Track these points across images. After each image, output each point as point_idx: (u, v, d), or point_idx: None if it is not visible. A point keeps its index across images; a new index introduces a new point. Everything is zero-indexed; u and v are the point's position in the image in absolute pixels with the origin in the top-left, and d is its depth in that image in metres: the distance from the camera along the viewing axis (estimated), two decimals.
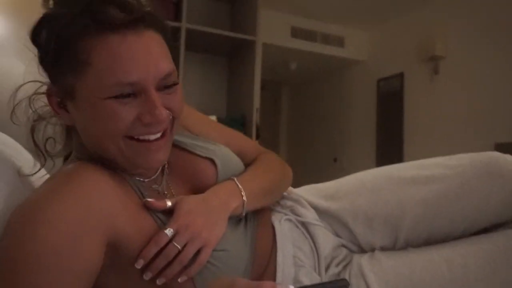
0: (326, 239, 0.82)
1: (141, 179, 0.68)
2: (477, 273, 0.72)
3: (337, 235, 0.87)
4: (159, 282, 0.60)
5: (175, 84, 0.62)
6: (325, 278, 0.77)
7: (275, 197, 0.85)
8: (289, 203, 0.86)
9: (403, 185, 0.84)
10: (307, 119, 5.14)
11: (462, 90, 3.30)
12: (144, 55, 0.57)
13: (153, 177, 0.70)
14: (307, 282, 0.73)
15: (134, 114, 0.58)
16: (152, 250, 0.59)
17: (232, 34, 3.03)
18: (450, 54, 3.40)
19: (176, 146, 0.73)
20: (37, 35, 0.59)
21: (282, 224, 0.79)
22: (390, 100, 3.89)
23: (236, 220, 0.73)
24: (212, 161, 0.76)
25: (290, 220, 0.81)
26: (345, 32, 4.12)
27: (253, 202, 0.74)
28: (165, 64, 0.60)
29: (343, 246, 0.86)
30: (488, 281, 0.71)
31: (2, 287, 0.50)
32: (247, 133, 2.98)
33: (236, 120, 3.03)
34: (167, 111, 0.61)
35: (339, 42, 4.11)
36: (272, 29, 3.64)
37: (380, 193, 0.84)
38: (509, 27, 2.96)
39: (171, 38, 0.65)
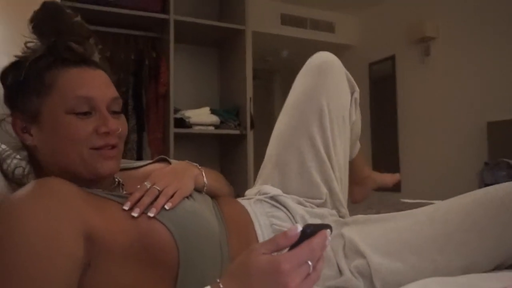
0: (296, 204, 0.91)
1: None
2: (457, 225, 0.78)
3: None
4: (150, 213, 0.68)
5: (120, 112, 0.77)
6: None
7: (223, 185, 0.95)
8: (255, 190, 0.98)
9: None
10: None
11: (453, 70, 3.30)
12: (98, 81, 0.73)
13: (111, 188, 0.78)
14: None
15: (91, 127, 0.70)
16: (137, 195, 0.71)
17: (221, 24, 3.00)
18: (441, 35, 3.40)
19: (124, 169, 0.86)
20: (6, 76, 0.73)
21: (252, 204, 0.88)
22: (383, 84, 3.89)
23: (203, 203, 0.80)
24: (161, 160, 0.91)
25: (260, 200, 0.90)
26: (335, 18, 4.10)
27: (208, 176, 0.85)
28: (113, 90, 0.75)
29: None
30: (468, 231, 0.77)
31: None
32: (241, 123, 2.98)
33: (229, 111, 3.02)
34: (118, 126, 0.73)
35: (329, 27, 4.09)
36: (261, 17, 3.62)
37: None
38: (500, 5, 2.96)
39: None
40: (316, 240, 0.51)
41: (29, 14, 0.73)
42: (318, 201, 0.98)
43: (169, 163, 0.90)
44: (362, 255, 0.80)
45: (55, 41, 0.71)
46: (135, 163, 0.92)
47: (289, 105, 1.06)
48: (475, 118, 3.08)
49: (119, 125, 0.73)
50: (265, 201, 0.90)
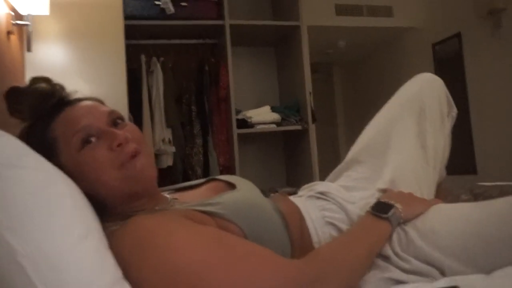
0: (347, 196, 0.93)
1: None
2: None
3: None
4: None
5: (123, 120, 0.79)
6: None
7: None
8: (306, 190, 1.00)
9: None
10: (363, 96, 5.00)
11: None
12: (85, 109, 0.76)
13: None
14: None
15: (105, 148, 0.72)
16: None
17: (275, 22, 3.03)
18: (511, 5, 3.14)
19: (178, 189, 0.94)
20: None
21: (304, 200, 0.92)
22: (449, 64, 3.68)
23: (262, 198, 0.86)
24: (211, 180, 0.97)
25: (311, 196, 0.94)
26: (392, 1, 3.95)
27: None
28: (104, 107, 0.79)
29: None
30: None
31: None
32: (303, 118, 2.98)
33: (290, 107, 3.03)
34: (126, 133, 0.74)
35: (387, 11, 3.94)
36: (315, 10, 3.58)
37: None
38: None
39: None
40: None
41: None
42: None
43: (220, 181, 0.94)
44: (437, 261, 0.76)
45: (33, 107, 0.75)
46: (184, 183, 0.99)
47: (390, 103, 1.12)
48: None
49: (127, 132, 0.75)
50: (315, 196, 0.93)
